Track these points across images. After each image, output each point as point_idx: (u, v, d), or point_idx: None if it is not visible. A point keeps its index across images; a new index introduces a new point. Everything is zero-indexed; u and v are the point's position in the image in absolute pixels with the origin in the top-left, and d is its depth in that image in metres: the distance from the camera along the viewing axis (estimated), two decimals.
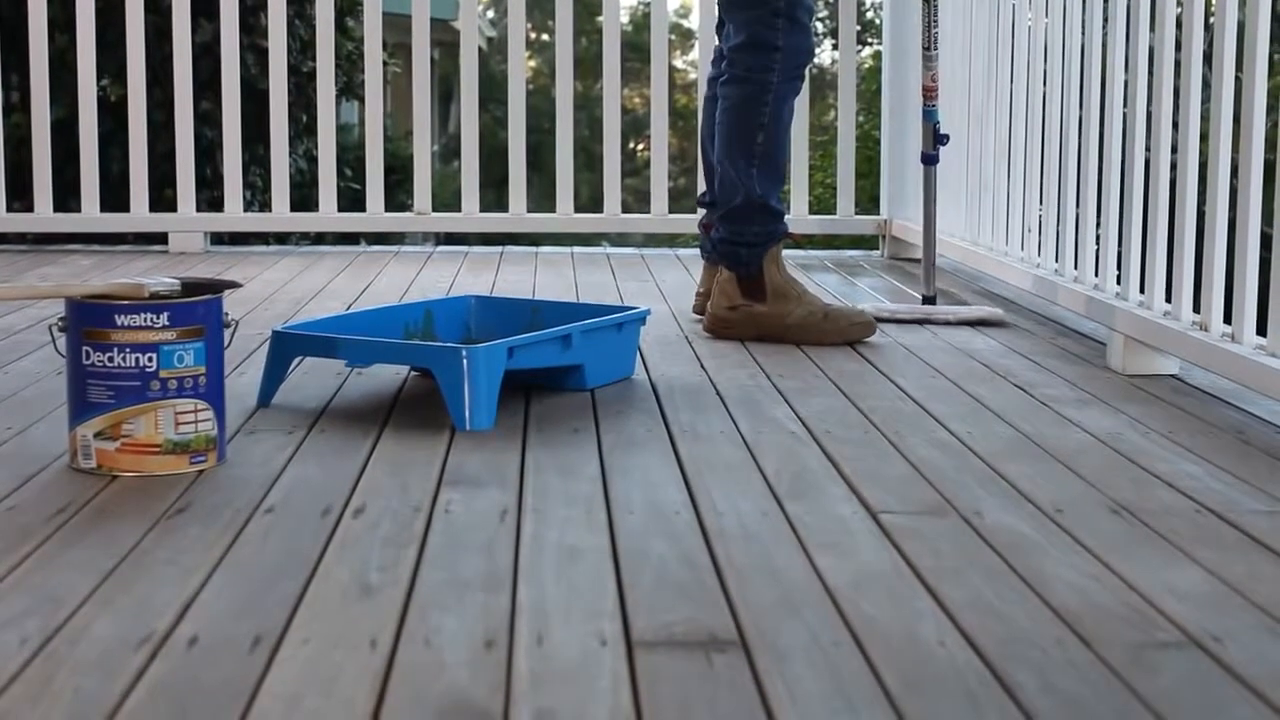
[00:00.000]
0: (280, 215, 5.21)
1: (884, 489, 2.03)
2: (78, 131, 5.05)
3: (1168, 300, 2.90)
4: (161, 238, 5.31)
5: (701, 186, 3.85)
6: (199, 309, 2.09)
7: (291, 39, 6.25)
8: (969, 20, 4.33)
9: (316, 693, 1.33)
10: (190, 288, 2.13)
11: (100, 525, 1.84)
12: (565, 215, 5.21)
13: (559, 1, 5.10)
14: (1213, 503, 1.98)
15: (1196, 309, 2.75)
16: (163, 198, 5.42)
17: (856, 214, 5.35)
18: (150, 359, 2.05)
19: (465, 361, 2.37)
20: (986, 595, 1.60)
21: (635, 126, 17.52)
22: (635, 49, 9.64)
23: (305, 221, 5.42)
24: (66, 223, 5.19)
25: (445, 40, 11.08)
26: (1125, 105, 3.09)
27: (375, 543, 1.77)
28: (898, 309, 3.62)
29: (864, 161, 8.30)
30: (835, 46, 6.19)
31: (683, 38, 21.58)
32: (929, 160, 3.81)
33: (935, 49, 3.81)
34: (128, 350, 2.04)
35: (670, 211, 5.21)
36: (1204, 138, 2.75)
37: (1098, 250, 3.24)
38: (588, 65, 10.80)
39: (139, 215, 5.14)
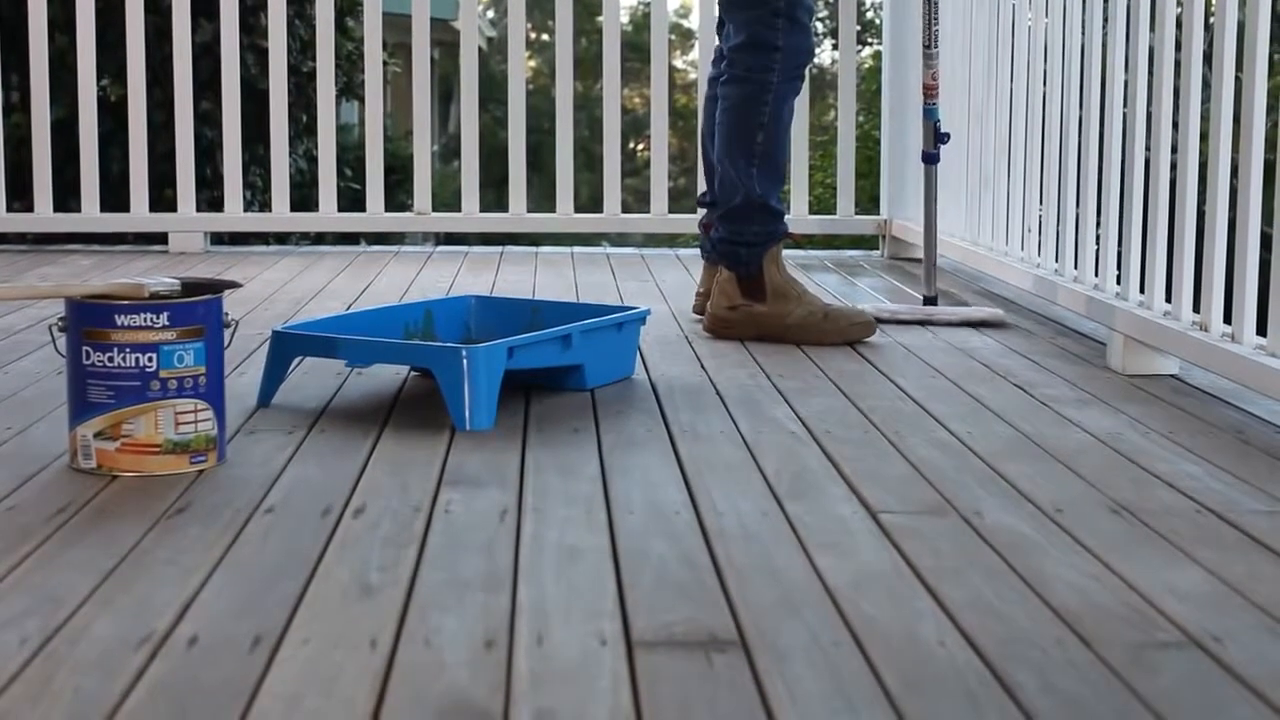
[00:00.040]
0: (280, 215, 5.21)
1: (884, 489, 2.03)
2: (78, 131, 5.05)
3: (1168, 300, 2.90)
4: (161, 238, 5.32)
5: (701, 186, 3.85)
6: (199, 309, 2.09)
7: (291, 39, 6.25)
8: (969, 20, 4.33)
9: (316, 693, 1.33)
10: (190, 288, 2.13)
11: (100, 525, 1.84)
12: (565, 215, 5.21)
13: (559, 1, 5.10)
14: (1213, 503, 1.98)
15: (1196, 309, 2.75)
16: (163, 198, 5.42)
17: (856, 214, 5.34)
18: (150, 359, 2.05)
19: (465, 361, 2.37)
20: (986, 595, 1.60)
21: (635, 126, 17.52)
22: (635, 49, 9.64)
23: (305, 221, 5.42)
24: (66, 223, 5.19)
25: (445, 40, 11.09)
26: (1125, 105, 3.09)
27: (375, 543, 1.77)
28: (898, 309, 3.62)
29: (864, 161, 8.30)
30: (835, 46, 6.19)
31: (683, 38, 21.59)
32: (930, 159, 3.79)
33: (936, 47, 3.80)
34: (128, 350, 2.04)
35: (670, 211, 5.21)
36: (1204, 138, 2.75)
37: (1098, 250, 3.24)
38: (588, 65, 10.80)
39: (139, 215, 5.14)
